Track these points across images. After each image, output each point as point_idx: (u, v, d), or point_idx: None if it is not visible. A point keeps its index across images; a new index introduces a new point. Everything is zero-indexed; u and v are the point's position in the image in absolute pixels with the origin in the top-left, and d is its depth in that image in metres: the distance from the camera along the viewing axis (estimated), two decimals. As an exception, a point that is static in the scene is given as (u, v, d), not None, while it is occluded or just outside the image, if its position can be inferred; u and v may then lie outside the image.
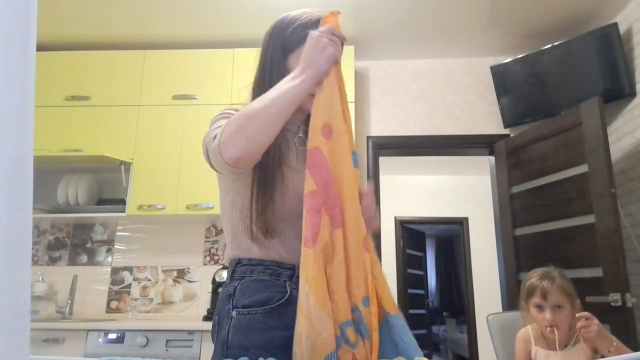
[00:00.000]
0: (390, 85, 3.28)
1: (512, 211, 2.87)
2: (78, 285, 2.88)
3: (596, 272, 2.26)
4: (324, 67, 0.93)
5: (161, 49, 3.02)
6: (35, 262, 2.99)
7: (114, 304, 2.91)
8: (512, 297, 2.75)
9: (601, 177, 2.28)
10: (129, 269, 2.97)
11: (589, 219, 2.34)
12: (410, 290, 6.11)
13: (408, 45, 3.14)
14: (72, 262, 3.00)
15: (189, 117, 2.84)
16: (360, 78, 3.28)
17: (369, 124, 3.21)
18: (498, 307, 3.16)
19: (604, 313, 2.04)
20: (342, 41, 1.04)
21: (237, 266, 0.98)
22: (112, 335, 2.34)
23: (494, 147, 3.08)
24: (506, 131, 3.09)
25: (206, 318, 2.61)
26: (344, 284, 0.86)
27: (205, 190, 2.69)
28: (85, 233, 3.06)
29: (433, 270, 9.46)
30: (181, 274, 2.96)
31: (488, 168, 3.32)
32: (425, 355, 0.88)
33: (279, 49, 1.03)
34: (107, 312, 2.90)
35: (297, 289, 0.86)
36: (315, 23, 1.02)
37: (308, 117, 0.97)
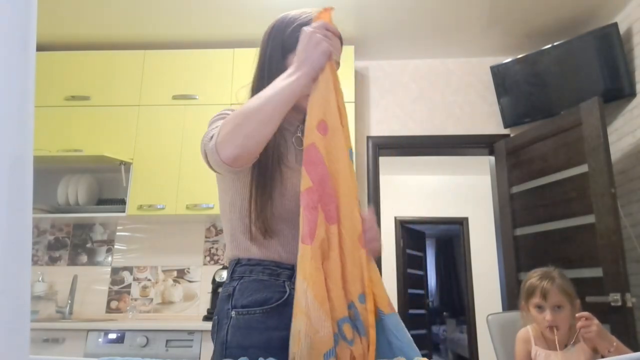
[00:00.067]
0: (390, 85, 3.28)
1: (512, 211, 2.87)
2: (78, 285, 2.88)
3: (596, 272, 2.26)
4: (318, 62, 0.93)
5: (161, 49, 3.02)
6: (35, 262, 2.99)
7: (114, 304, 2.91)
8: (512, 297, 2.75)
9: (601, 177, 2.28)
10: (129, 269, 2.97)
11: (589, 219, 2.34)
12: (410, 290, 6.11)
13: (408, 45, 3.14)
14: (72, 262, 3.00)
15: (189, 117, 2.84)
16: (360, 78, 3.28)
17: (369, 124, 3.21)
18: (498, 307, 3.16)
19: (604, 313, 2.04)
20: (340, 38, 1.04)
21: (236, 266, 0.98)
22: (112, 335, 2.34)
23: (494, 147, 3.08)
24: (506, 131, 3.09)
25: (206, 318, 2.61)
26: (340, 280, 0.86)
27: (205, 190, 2.69)
28: (85, 233, 3.06)
29: (433, 270, 9.46)
30: (181, 274, 2.96)
31: (488, 168, 3.32)
32: (425, 355, 0.88)
33: (278, 49, 1.03)
34: (107, 312, 2.90)
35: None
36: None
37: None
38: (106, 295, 2.93)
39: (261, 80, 1.02)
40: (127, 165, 2.81)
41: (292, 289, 0.92)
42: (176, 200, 2.72)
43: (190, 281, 2.94)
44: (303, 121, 0.95)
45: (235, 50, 2.93)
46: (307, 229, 0.85)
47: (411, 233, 6.50)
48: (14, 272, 0.49)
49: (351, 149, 0.98)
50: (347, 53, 2.86)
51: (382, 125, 3.20)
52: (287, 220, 0.95)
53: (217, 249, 2.98)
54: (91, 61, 3.00)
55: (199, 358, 2.27)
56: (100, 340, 2.33)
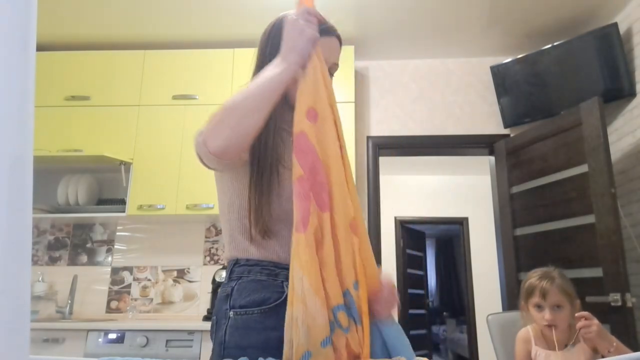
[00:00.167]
0: (390, 85, 3.28)
1: (512, 211, 2.87)
2: (78, 285, 2.88)
3: (596, 272, 2.26)
4: (305, 50, 0.93)
5: (161, 49, 3.02)
6: (35, 262, 2.99)
7: (114, 304, 2.91)
8: (512, 297, 2.75)
9: (601, 177, 2.28)
10: (129, 269, 2.97)
11: (589, 219, 2.34)
12: (410, 290, 6.11)
13: (408, 45, 3.14)
14: (72, 262, 3.00)
15: (189, 117, 2.84)
16: (360, 78, 3.28)
17: (369, 124, 3.21)
18: (498, 307, 3.17)
19: (604, 313, 2.04)
20: (339, 38, 1.04)
21: (234, 266, 0.98)
22: (112, 335, 2.34)
23: (494, 147, 3.08)
24: (506, 131, 3.09)
25: (206, 318, 2.61)
26: (334, 268, 0.85)
27: (205, 190, 2.69)
28: (85, 233, 3.06)
29: (433, 270, 9.46)
30: (181, 274, 2.96)
31: (488, 168, 3.32)
32: (425, 355, 0.88)
33: (277, 48, 1.03)
34: (107, 312, 2.90)
35: None
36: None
37: None
38: (106, 295, 2.93)
39: None
40: (127, 165, 2.81)
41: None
42: (176, 200, 2.72)
43: (190, 281, 2.94)
44: None
45: (235, 50, 2.93)
46: (300, 218, 0.85)
47: (411, 233, 6.50)
48: (14, 272, 0.49)
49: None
50: (347, 53, 2.86)
51: (382, 125, 3.20)
52: (284, 221, 0.95)
53: (217, 249, 2.98)
54: (91, 61, 3.00)
55: (199, 358, 2.27)
56: (100, 340, 2.33)
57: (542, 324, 1.60)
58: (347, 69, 2.86)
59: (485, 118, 3.16)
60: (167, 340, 2.31)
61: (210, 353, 0.97)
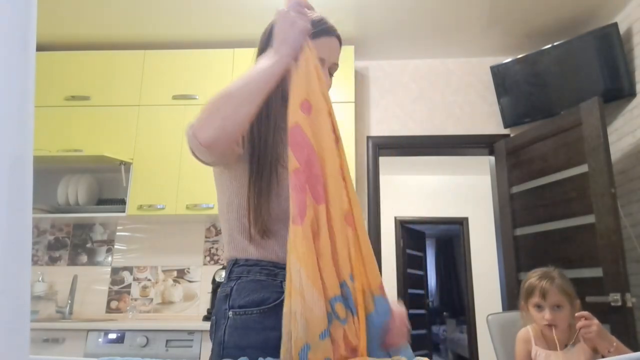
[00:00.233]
0: (390, 85, 3.28)
1: (512, 211, 2.87)
2: (78, 285, 2.88)
3: (596, 272, 2.26)
4: (297, 42, 0.93)
5: (161, 49, 3.02)
6: (35, 262, 2.99)
7: (114, 304, 2.91)
8: (512, 297, 2.75)
9: (601, 177, 2.28)
10: (129, 269, 2.97)
11: (589, 219, 2.34)
12: (410, 290, 6.11)
13: (408, 45, 3.14)
14: (72, 262, 3.00)
15: (189, 117, 2.80)
16: (360, 78, 3.28)
17: (369, 124, 3.21)
18: (498, 307, 3.17)
19: (604, 313, 2.04)
20: (338, 38, 1.03)
21: (234, 266, 0.98)
22: (112, 335, 2.34)
23: (494, 147, 3.08)
24: (506, 131, 3.09)
25: (206, 318, 2.61)
26: (331, 260, 0.85)
27: (205, 190, 2.69)
28: (85, 233, 3.06)
29: (433, 270, 9.46)
30: (181, 274, 2.96)
31: (488, 168, 3.32)
32: (425, 355, 0.88)
33: None
34: (107, 312, 2.90)
35: None
36: (314, 22, 1.02)
37: None
38: (106, 295, 2.93)
39: None
40: (127, 165, 2.81)
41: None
42: (176, 200, 2.72)
43: (190, 281, 2.94)
44: None
45: (235, 50, 2.93)
46: (297, 210, 0.84)
47: (411, 233, 6.50)
48: (14, 272, 0.49)
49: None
50: (347, 53, 2.86)
51: (382, 125, 3.20)
52: (283, 220, 0.95)
53: (217, 249, 2.98)
54: (91, 61, 3.00)
55: (199, 358, 2.27)
56: (100, 340, 2.33)
57: (542, 324, 1.60)
58: (347, 69, 2.86)
59: (485, 118, 3.16)
60: (167, 340, 2.32)
61: (210, 353, 0.97)
